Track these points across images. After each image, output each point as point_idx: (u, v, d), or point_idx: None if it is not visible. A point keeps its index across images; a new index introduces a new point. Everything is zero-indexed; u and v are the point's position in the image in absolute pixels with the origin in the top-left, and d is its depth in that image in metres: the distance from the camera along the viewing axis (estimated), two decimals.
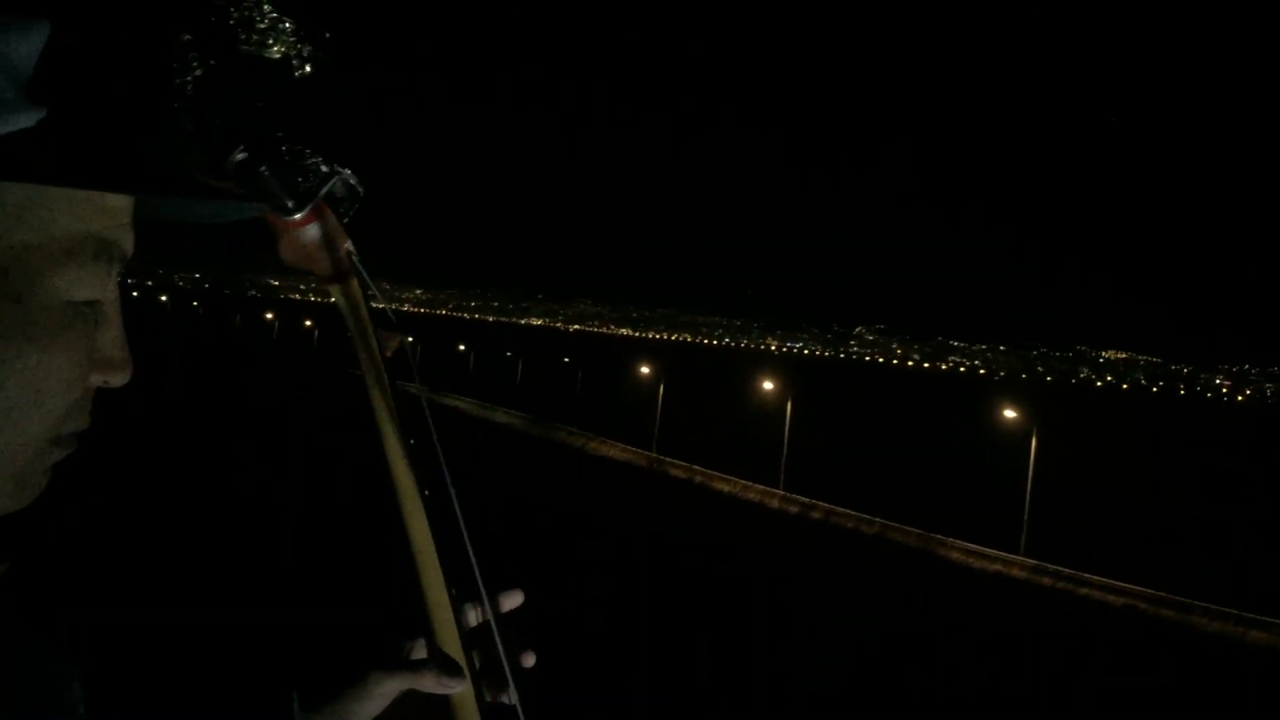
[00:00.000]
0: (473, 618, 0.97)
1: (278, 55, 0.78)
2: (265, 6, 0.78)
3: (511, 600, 1.00)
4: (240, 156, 0.78)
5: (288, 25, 0.79)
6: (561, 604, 15.23)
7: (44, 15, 0.58)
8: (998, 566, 20.89)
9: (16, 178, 0.59)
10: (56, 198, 0.64)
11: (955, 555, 21.55)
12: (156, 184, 0.67)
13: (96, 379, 0.70)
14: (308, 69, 0.80)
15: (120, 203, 0.69)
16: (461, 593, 0.94)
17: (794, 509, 25.12)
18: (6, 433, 0.64)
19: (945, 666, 15.02)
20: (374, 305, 0.94)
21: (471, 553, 0.93)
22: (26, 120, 0.57)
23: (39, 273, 0.63)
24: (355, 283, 0.93)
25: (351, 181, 0.89)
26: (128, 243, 0.71)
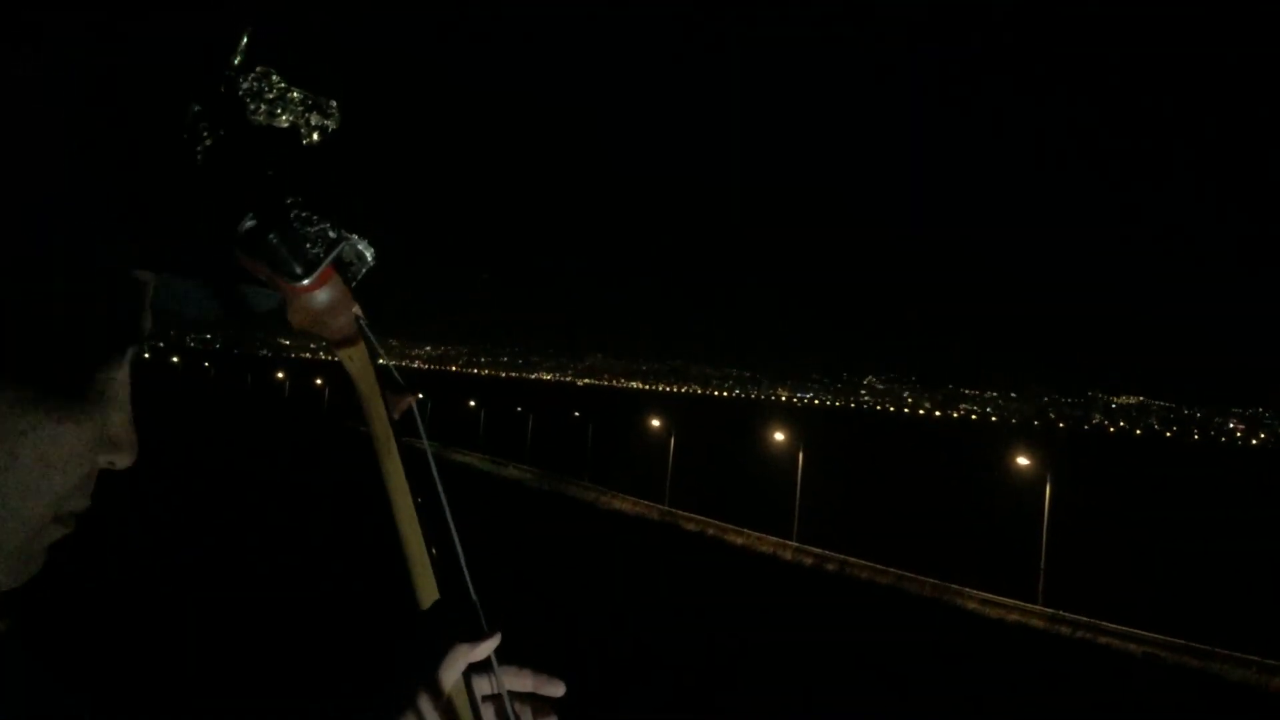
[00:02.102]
0: (487, 685, 0.95)
1: (286, 124, 0.80)
2: (274, 77, 0.80)
3: (552, 688, 0.98)
4: (249, 224, 0.79)
5: (296, 95, 0.81)
6: (576, 661, 15.10)
7: (80, 96, 0.59)
8: (1015, 616, 20.68)
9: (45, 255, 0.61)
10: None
11: (972, 605, 21.35)
12: (180, 266, 0.70)
13: (103, 459, 0.71)
14: (315, 137, 0.81)
15: (140, 284, 0.70)
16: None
17: (808, 560, 24.95)
18: (14, 505, 0.64)
19: (963, 718, 14.83)
20: (382, 367, 0.95)
21: (480, 609, 0.92)
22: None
23: (61, 349, 0.64)
24: (364, 346, 0.93)
25: (360, 246, 0.89)
26: (145, 323, 0.72)
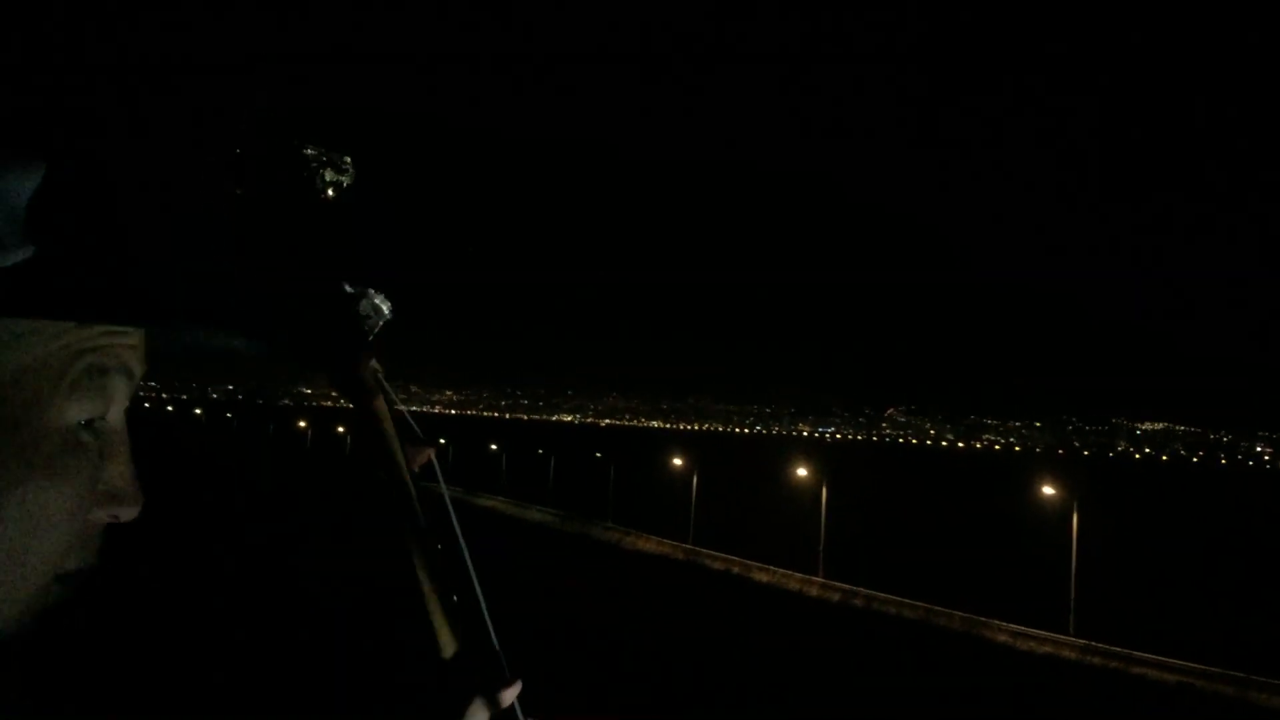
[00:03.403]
0: None
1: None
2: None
3: None
4: None
5: (309, 152, 0.82)
6: (602, 704, 15.02)
7: (42, 153, 0.57)
8: (1047, 648, 20.44)
9: (7, 312, 0.59)
10: (51, 324, 0.63)
11: (1002, 638, 21.12)
12: (148, 315, 0.67)
13: (102, 513, 0.67)
14: (330, 193, 0.83)
15: (123, 334, 0.67)
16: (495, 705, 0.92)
17: (835, 596, 24.77)
18: (6, 566, 0.61)
19: None
20: (401, 420, 0.95)
21: (502, 657, 0.91)
22: (18, 256, 0.57)
23: (36, 397, 0.62)
24: (382, 400, 0.93)
25: (376, 300, 0.89)
26: (132, 363, 0.69)
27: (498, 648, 0.92)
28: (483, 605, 0.92)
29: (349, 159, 0.84)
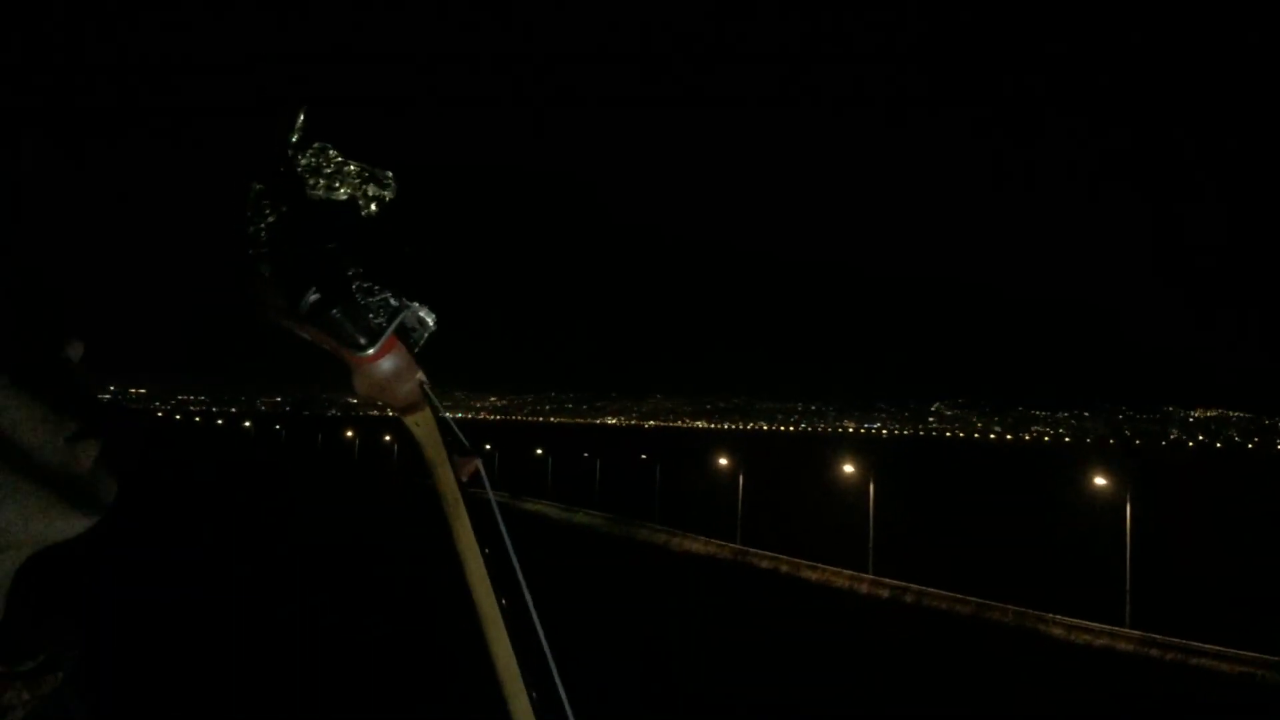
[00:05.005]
0: None
1: (344, 197, 0.84)
2: (331, 152, 0.84)
3: None
4: (313, 298, 0.82)
5: (353, 168, 0.84)
6: (655, 705, 15.02)
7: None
8: (1104, 640, 20.17)
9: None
10: None
11: (1057, 631, 20.87)
12: None
13: None
14: (374, 208, 0.85)
15: None
16: (543, 701, 0.93)
17: (885, 593, 24.61)
18: None
19: None
20: (448, 431, 0.96)
21: (552, 661, 0.93)
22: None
23: None
24: (429, 411, 0.95)
25: (421, 313, 0.90)
26: None
27: (546, 648, 0.94)
28: (531, 607, 0.94)
29: (391, 174, 0.86)
